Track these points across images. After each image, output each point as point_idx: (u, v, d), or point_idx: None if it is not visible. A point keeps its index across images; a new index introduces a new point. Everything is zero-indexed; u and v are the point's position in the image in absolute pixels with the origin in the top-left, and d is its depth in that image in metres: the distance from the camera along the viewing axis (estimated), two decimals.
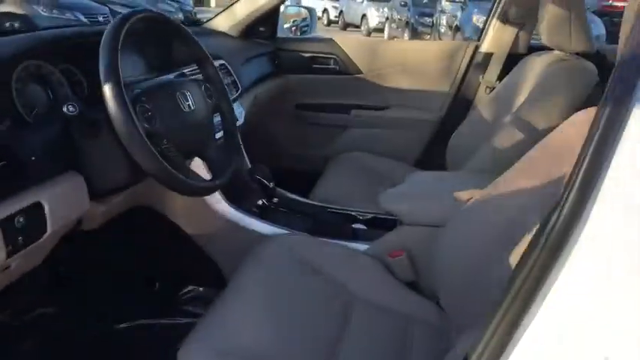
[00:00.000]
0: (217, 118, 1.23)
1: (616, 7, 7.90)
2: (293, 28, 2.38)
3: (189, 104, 1.05)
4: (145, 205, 1.43)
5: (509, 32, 1.95)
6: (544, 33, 1.52)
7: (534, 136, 1.43)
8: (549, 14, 1.46)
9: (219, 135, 1.26)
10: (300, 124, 2.31)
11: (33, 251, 0.97)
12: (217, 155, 1.15)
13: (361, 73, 2.20)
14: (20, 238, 0.88)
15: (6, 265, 0.91)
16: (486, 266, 1.09)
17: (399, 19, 11.04)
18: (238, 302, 1.10)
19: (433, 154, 2.15)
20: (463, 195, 1.28)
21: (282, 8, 2.18)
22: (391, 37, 11.07)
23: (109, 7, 6.87)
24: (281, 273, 1.22)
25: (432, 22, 9.76)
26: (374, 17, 12.37)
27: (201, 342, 0.98)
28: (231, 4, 2.06)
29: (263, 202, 1.56)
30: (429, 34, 9.92)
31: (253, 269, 1.22)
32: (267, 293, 1.14)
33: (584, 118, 1.01)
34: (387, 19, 11.75)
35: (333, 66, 2.20)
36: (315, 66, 2.21)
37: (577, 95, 1.40)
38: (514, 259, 0.99)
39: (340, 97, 2.24)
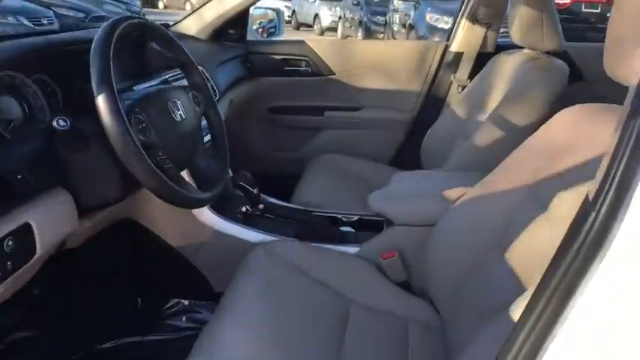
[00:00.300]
0: (204, 122, 1.19)
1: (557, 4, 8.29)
2: (260, 30, 2.35)
3: (180, 113, 1.01)
4: (129, 219, 1.37)
5: (478, 32, 2.00)
6: (516, 33, 1.57)
7: (513, 134, 1.48)
8: (521, 15, 1.51)
9: (206, 139, 1.22)
10: (273, 128, 2.29)
11: (20, 275, 0.91)
12: (208, 164, 1.12)
13: (333, 74, 2.20)
14: (9, 263, 0.82)
15: None
16: (479, 264, 1.12)
17: (351, 18, 11.13)
18: (237, 313, 1.08)
19: (407, 153, 2.18)
20: (452, 194, 1.30)
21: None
22: (344, 37, 11.16)
23: (53, 11, 6.58)
24: (276, 281, 1.21)
25: (385, 20, 9.91)
26: (327, 16, 12.42)
27: (205, 356, 0.95)
28: (199, 7, 2.01)
29: (247, 209, 1.53)
30: (382, 32, 10.06)
31: (248, 278, 1.20)
32: (265, 303, 1.12)
33: (569, 116, 1.05)
34: (340, 18, 11.83)
35: (305, 68, 2.19)
36: (286, 68, 2.19)
37: (552, 93, 1.46)
38: (509, 255, 1.02)
39: (313, 99, 2.23)
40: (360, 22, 10.67)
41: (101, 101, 0.82)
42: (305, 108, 2.24)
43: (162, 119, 0.96)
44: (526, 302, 0.64)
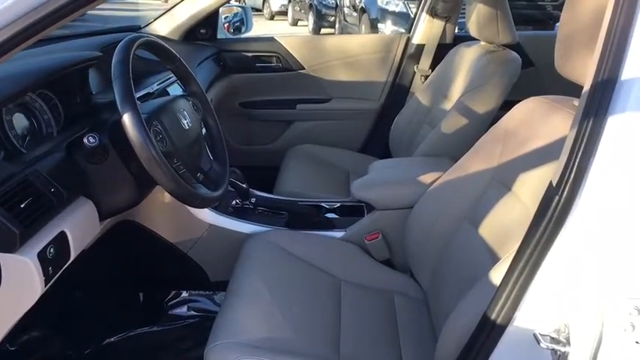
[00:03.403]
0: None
1: None
2: (225, 25, 2.42)
3: (187, 122, 1.11)
4: (129, 220, 1.45)
5: (438, 25, 2.15)
6: (473, 27, 1.74)
7: (475, 121, 1.65)
8: (478, 11, 1.67)
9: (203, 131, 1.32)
10: (247, 122, 2.38)
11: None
12: (212, 166, 1.22)
13: (303, 68, 2.31)
14: (50, 268, 0.91)
15: None
16: (454, 239, 1.29)
17: (301, 1, 11.11)
18: (244, 300, 1.20)
19: (376, 141, 2.34)
20: (426, 178, 1.46)
21: None
22: (295, 20, 11.16)
23: None
24: (274, 267, 1.33)
25: (336, 3, 9.96)
26: (276, 0, 12.33)
27: (225, 339, 1.06)
28: (170, 8, 2.06)
29: (237, 202, 1.63)
30: (333, 15, 10.11)
31: (249, 267, 1.32)
32: (268, 287, 1.24)
33: (529, 107, 1.21)
34: (290, 1, 11.78)
35: (276, 64, 2.29)
36: (258, 64, 2.28)
37: (508, 82, 1.64)
38: (481, 230, 1.19)
39: (285, 93, 2.34)
40: (311, 5, 10.68)
41: (127, 119, 0.91)
42: (277, 102, 2.34)
43: (174, 129, 1.05)
44: (504, 267, 0.81)
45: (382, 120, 2.31)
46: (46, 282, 0.90)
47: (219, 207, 1.56)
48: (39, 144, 1.05)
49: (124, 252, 1.51)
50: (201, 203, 1.08)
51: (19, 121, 1.06)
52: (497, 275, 0.88)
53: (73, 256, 0.97)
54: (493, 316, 0.78)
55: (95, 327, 1.49)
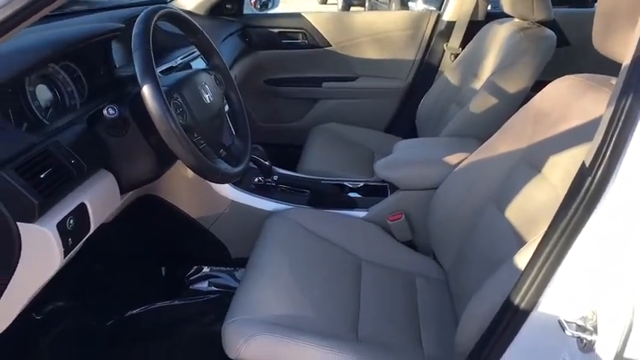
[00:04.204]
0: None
1: None
2: (252, 0, 2.39)
3: (208, 96, 1.09)
4: (151, 194, 1.46)
5: (469, 1, 2.07)
6: (507, 3, 1.66)
7: (505, 101, 1.59)
8: None
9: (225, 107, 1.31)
10: (272, 99, 2.36)
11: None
12: (233, 141, 1.21)
13: (330, 45, 2.26)
14: (70, 239, 0.92)
15: None
16: (479, 221, 1.25)
17: None
18: (264, 277, 1.19)
19: (403, 121, 2.29)
20: (453, 159, 1.41)
21: None
22: None
23: None
24: (295, 245, 1.32)
25: None
26: None
27: (243, 315, 1.06)
28: None
29: (259, 180, 1.62)
30: None
31: (270, 244, 1.31)
32: (288, 264, 1.24)
33: (562, 86, 1.16)
34: None
35: (302, 40, 2.25)
36: (284, 41, 2.25)
37: (540, 61, 1.56)
38: (508, 213, 1.15)
39: (310, 71, 2.30)
40: None
41: (146, 91, 0.90)
42: (303, 79, 2.31)
43: (195, 102, 1.04)
44: (530, 251, 0.77)
45: (409, 99, 2.26)
46: (66, 253, 0.91)
47: (241, 184, 1.56)
48: (62, 116, 1.06)
49: (146, 226, 1.53)
50: (222, 178, 1.07)
51: (43, 92, 1.06)
52: (522, 259, 0.84)
53: (92, 228, 0.98)
54: (516, 301, 0.75)
55: (118, 299, 1.51)
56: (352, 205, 1.54)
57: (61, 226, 0.88)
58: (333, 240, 1.39)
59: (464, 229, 1.28)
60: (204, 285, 1.58)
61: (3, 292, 0.88)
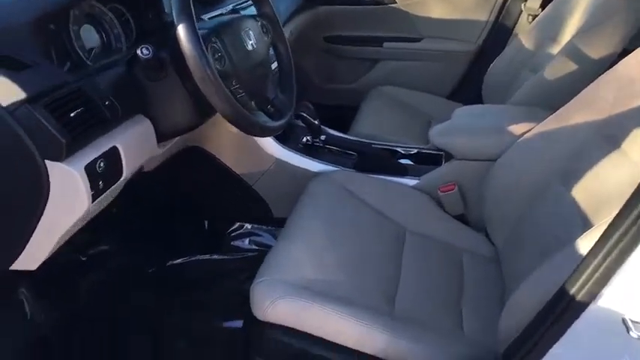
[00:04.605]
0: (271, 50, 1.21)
1: None
2: None
3: (252, 43, 1.03)
4: (197, 146, 1.44)
5: None
6: None
7: (586, 68, 1.40)
8: None
9: (273, 66, 1.24)
10: (330, 58, 2.26)
11: (107, 195, 0.99)
12: (276, 95, 1.14)
13: (394, 2, 2.12)
14: (101, 182, 0.90)
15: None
16: (542, 198, 1.12)
17: None
18: (300, 238, 1.14)
19: (468, 87, 2.12)
20: (517, 129, 1.27)
21: None
22: None
23: None
24: (337, 208, 1.26)
25: None
26: None
27: (273, 276, 1.02)
28: None
29: (307, 140, 1.56)
30: None
31: (310, 205, 1.26)
32: (326, 228, 1.18)
33: None
34: None
35: None
36: None
37: (634, 24, 1.36)
38: (575, 191, 1.01)
39: (372, 29, 2.17)
40: None
41: (182, 31, 0.85)
42: (364, 38, 2.19)
43: (235, 48, 0.98)
44: (595, 235, 0.66)
45: (477, 64, 2.08)
46: (96, 196, 0.89)
47: (288, 142, 1.50)
48: (106, 58, 1.03)
49: (189, 178, 1.52)
50: (260, 131, 1.01)
51: (88, 33, 1.04)
52: (584, 244, 0.73)
53: (125, 174, 0.95)
54: (572, 291, 0.64)
55: (160, 249, 1.53)
56: (402, 172, 1.44)
57: (90, 168, 0.86)
58: (378, 206, 1.31)
59: (522, 205, 1.16)
60: (244, 242, 1.56)
61: (34, 229, 0.88)
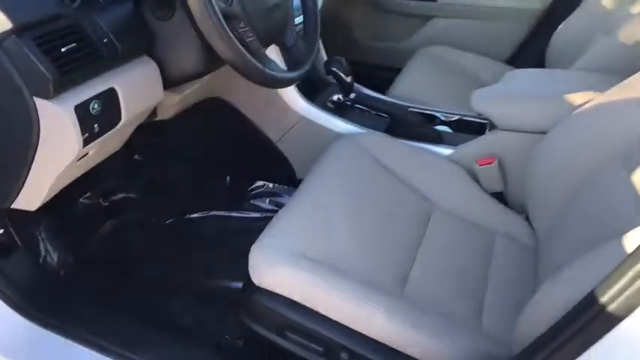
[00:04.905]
0: (297, 1, 1.09)
1: None
2: None
3: None
4: (219, 97, 1.37)
5: None
6: None
7: None
8: None
9: (298, 20, 1.13)
10: (379, 13, 2.09)
11: (110, 139, 0.94)
12: (296, 43, 1.03)
13: None
14: (96, 125, 0.84)
15: (84, 153, 0.89)
16: (595, 182, 0.96)
17: None
18: (311, 203, 1.05)
19: (530, 51, 1.90)
20: (575, 98, 1.10)
21: None
22: None
23: None
24: (357, 173, 1.15)
25: None
26: None
27: (274, 240, 0.94)
28: None
29: (339, 98, 1.45)
30: None
31: (328, 167, 1.16)
32: (340, 195, 1.08)
33: None
34: None
35: None
36: None
37: None
38: (636, 177, 0.85)
39: None
40: None
41: None
42: None
43: None
44: None
45: (544, 24, 1.85)
46: (90, 139, 0.83)
47: (316, 99, 1.39)
48: None
49: (212, 131, 1.46)
50: (271, 82, 0.91)
51: None
52: (631, 243, 0.59)
53: (125, 118, 0.89)
54: (605, 298, 0.51)
55: (180, 201, 1.49)
56: (437, 139, 1.31)
57: (81, 109, 0.80)
58: (404, 176, 1.19)
59: (572, 187, 1.00)
60: (265, 202, 1.49)
61: (29, 167, 0.84)
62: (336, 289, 0.86)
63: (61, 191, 1.34)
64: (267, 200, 1.49)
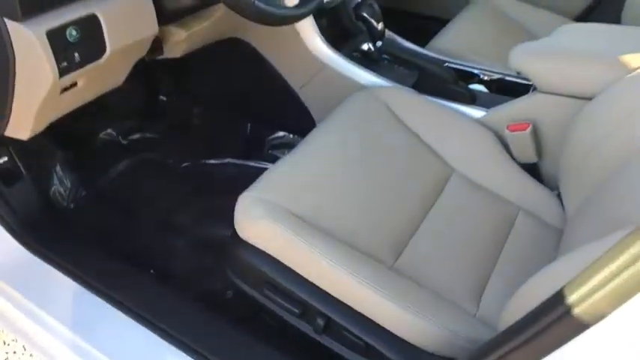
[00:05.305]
0: None
1: None
2: None
3: None
4: (239, 39, 1.29)
5: None
6: None
7: None
8: None
9: None
10: None
11: (104, 72, 0.90)
12: None
13: None
14: (76, 54, 0.80)
15: (69, 83, 0.85)
16: (637, 163, 0.81)
17: None
18: (312, 156, 0.98)
19: (604, 9, 1.65)
20: (633, 60, 0.92)
21: None
22: None
23: None
24: (368, 128, 1.05)
25: None
26: None
27: (262, 193, 0.88)
28: None
29: (369, 48, 1.32)
30: None
31: (338, 120, 1.07)
32: (347, 151, 0.99)
33: None
34: None
35: None
36: None
37: None
38: None
39: None
40: None
41: None
42: None
43: None
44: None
45: None
46: (69, 69, 0.80)
47: (342, 47, 1.28)
48: None
49: (235, 75, 1.39)
50: (262, 16, 0.82)
51: None
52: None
53: (110, 49, 0.84)
54: (571, 299, 0.41)
55: (199, 145, 1.46)
56: (470, 100, 1.17)
57: (55, 35, 0.76)
58: (423, 135, 1.08)
59: (614, 163, 0.85)
60: (283, 153, 1.43)
61: (12, 92, 0.82)
62: (316, 250, 0.79)
63: (80, 126, 1.35)
64: (286, 151, 1.42)
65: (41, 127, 0.93)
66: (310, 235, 0.81)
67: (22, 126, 0.88)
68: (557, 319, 0.39)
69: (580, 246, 0.74)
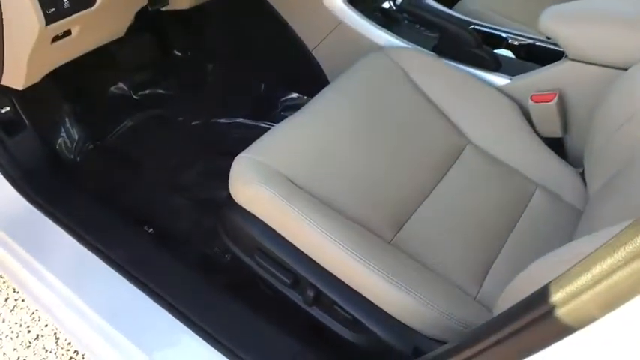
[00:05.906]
0: None
1: None
2: None
3: None
4: None
5: None
6: None
7: None
8: None
9: None
10: None
11: (101, 20, 0.86)
12: None
13: None
14: (65, 1, 0.76)
15: (62, 31, 0.82)
16: None
17: None
18: (315, 120, 0.92)
19: None
20: None
21: None
22: None
23: None
24: (380, 92, 0.99)
25: None
26: None
27: (258, 156, 0.84)
28: None
29: (390, 6, 1.24)
30: None
31: (349, 82, 1.00)
32: (354, 113, 0.93)
33: None
34: None
35: None
36: None
37: None
38: None
39: None
40: None
41: None
42: None
43: None
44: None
45: None
46: (58, 16, 0.76)
47: (361, 4, 1.20)
48: None
49: (250, 33, 1.34)
50: None
51: None
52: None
53: (98, 3, 0.80)
54: (556, 297, 0.35)
55: (211, 103, 1.42)
56: (492, 65, 1.07)
57: None
58: (439, 102, 1.01)
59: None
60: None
61: (2, 42, 0.79)
62: (308, 220, 0.75)
63: (89, 78, 1.33)
64: None
65: (37, 77, 0.90)
66: (303, 202, 0.77)
67: (17, 75, 0.86)
68: (538, 318, 0.34)
69: (594, 231, 0.67)
